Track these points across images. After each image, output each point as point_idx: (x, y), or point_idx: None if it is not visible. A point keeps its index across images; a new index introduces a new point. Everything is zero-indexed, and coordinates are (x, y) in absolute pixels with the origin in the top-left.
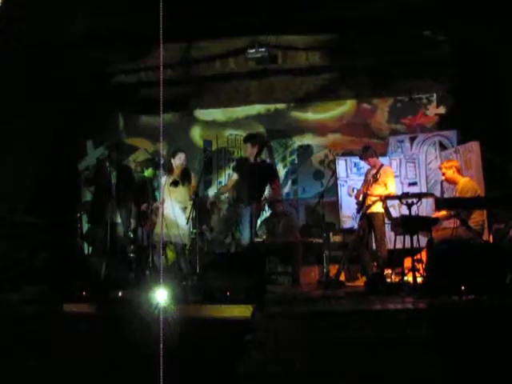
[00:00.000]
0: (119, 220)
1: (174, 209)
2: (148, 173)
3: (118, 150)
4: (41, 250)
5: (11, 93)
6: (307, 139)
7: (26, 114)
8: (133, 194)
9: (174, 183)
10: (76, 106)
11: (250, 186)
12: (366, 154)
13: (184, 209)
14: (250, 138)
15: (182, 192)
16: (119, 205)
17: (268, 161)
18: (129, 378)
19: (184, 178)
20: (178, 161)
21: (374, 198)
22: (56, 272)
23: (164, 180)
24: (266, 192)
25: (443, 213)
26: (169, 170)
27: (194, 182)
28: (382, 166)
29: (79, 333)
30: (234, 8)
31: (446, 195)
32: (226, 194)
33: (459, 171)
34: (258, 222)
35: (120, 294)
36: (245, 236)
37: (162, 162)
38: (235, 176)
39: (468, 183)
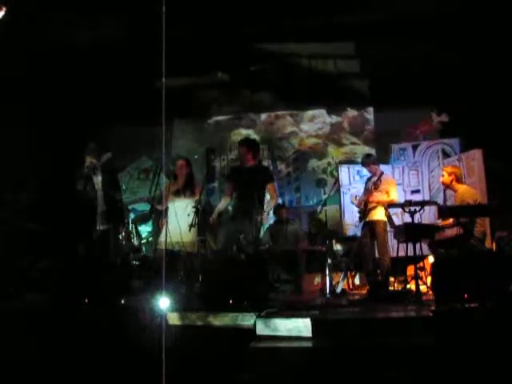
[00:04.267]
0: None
1: (176, 217)
2: None
3: (92, 154)
4: (43, 257)
5: (13, 96)
6: (310, 146)
7: (28, 119)
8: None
9: (176, 192)
10: (80, 111)
11: (248, 193)
12: (367, 160)
13: (187, 217)
14: (246, 142)
15: (184, 201)
16: (109, 212)
17: (267, 164)
18: None
19: (186, 187)
20: (179, 169)
21: (374, 205)
22: (58, 279)
23: (166, 187)
24: (268, 197)
25: (449, 220)
26: (174, 178)
27: (198, 191)
28: (382, 173)
29: (82, 340)
30: (238, 16)
31: (448, 203)
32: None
33: (458, 180)
34: (262, 229)
35: (123, 301)
36: (248, 244)
37: (163, 169)
38: (231, 186)
39: (468, 191)
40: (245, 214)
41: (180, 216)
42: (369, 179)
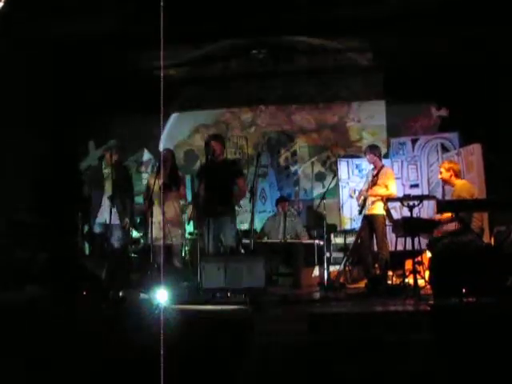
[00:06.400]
0: (117, 221)
1: (162, 211)
2: None
3: (114, 150)
4: (42, 250)
5: (13, 91)
6: (308, 140)
7: (27, 112)
8: (131, 194)
9: (162, 186)
10: (78, 106)
11: (215, 186)
12: (371, 150)
13: (174, 211)
14: (216, 138)
15: (170, 194)
16: (117, 205)
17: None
18: (128, 378)
19: (170, 180)
20: (163, 161)
21: (373, 199)
22: (57, 272)
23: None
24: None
25: (447, 215)
26: (157, 171)
27: (181, 185)
28: (382, 166)
29: (79, 333)
30: (237, 9)
31: (447, 197)
32: None
33: (457, 175)
34: (256, 220)
35: (121, 293)
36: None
37: (161, 162)
38: (200, 180)
39: (464, 186)
40: (212, 206)
41: (165, 209)
42: (370, 172)
